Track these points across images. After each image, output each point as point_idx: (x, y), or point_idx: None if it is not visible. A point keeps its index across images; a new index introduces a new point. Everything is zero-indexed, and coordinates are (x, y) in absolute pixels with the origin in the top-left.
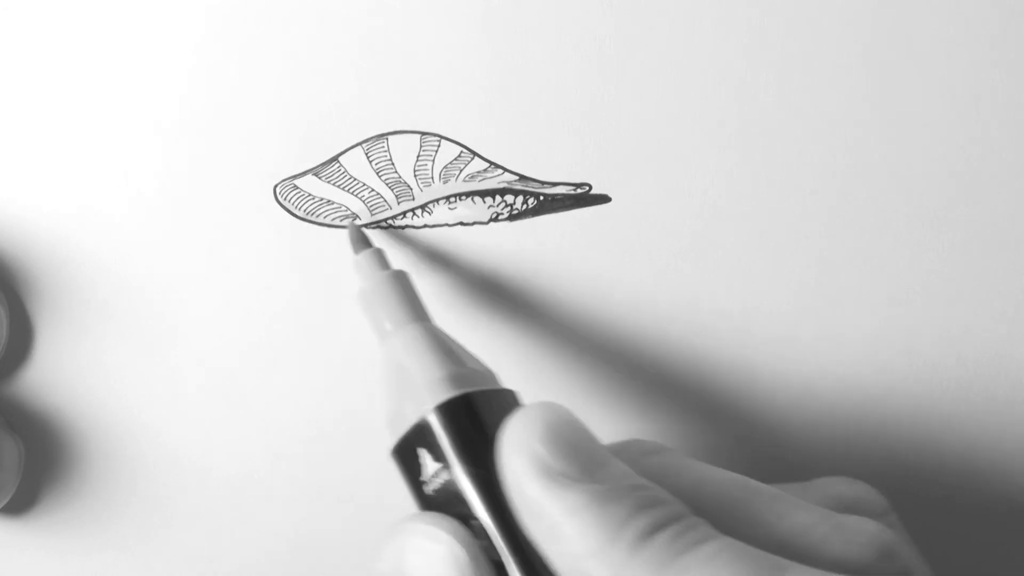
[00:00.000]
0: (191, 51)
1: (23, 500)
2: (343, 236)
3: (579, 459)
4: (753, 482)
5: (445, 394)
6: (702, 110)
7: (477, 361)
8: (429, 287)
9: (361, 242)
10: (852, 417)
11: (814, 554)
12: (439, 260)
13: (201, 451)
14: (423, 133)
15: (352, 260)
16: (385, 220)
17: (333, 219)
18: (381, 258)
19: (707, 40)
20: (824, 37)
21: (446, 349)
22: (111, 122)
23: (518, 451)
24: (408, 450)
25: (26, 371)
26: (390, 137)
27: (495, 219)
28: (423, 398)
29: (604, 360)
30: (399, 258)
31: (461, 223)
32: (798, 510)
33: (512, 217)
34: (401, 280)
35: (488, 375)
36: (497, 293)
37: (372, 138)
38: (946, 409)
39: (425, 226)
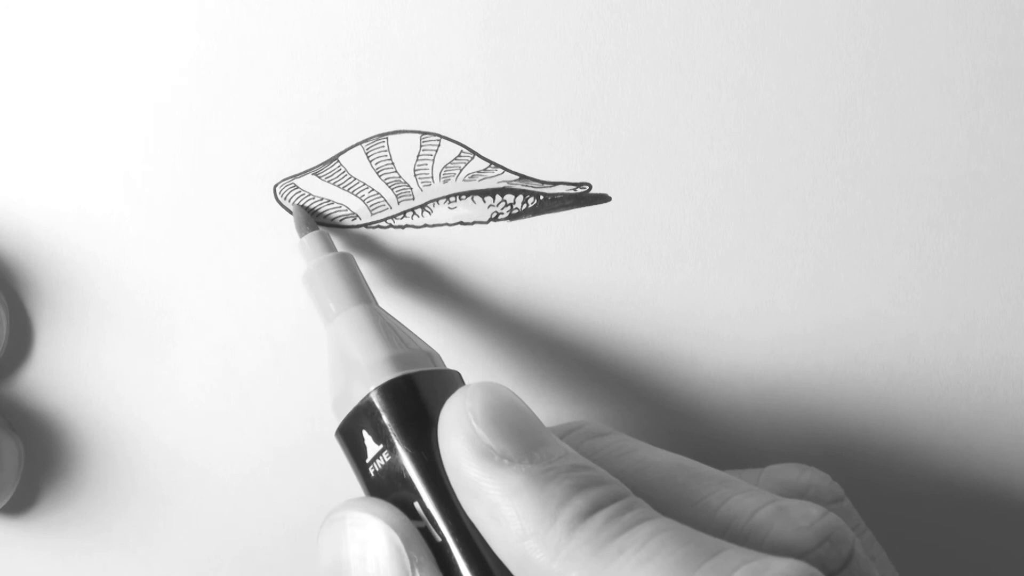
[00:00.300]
0: (191, 51)
1: (23, 500)
2: (344, 235)
3: (518, 439)
4: (697, 465)
5: (386, 375)
6: (702, 110)
7: (421, 342)
8: (430, 286)
9: (306, 224)
10: (853, 417)
11: (755, 537)
12: (439, 259)
13: (201, 451)
14: (423, 133)
15: (297, 243)
16: (385, 220)
17: (333, 219)
18: (326, 240)
19: (707, 40)
20: (824, 37)
21: (388, 330)
22: (111, 122)
23: (456, 432)
24: (352, 431)
25: (26, 371)
26: (390, 137)
27: (495, 218)
28: (365, 379)
29: (598, 357)
30: (399, 257)
31: (461, 223)
32: (741, 493)
33: (512, 216)
34: (345, 262)
35: (431, 356)
36: (495, 291)
37: (372, 138)
38: (945, 408)
39: (425, 225)
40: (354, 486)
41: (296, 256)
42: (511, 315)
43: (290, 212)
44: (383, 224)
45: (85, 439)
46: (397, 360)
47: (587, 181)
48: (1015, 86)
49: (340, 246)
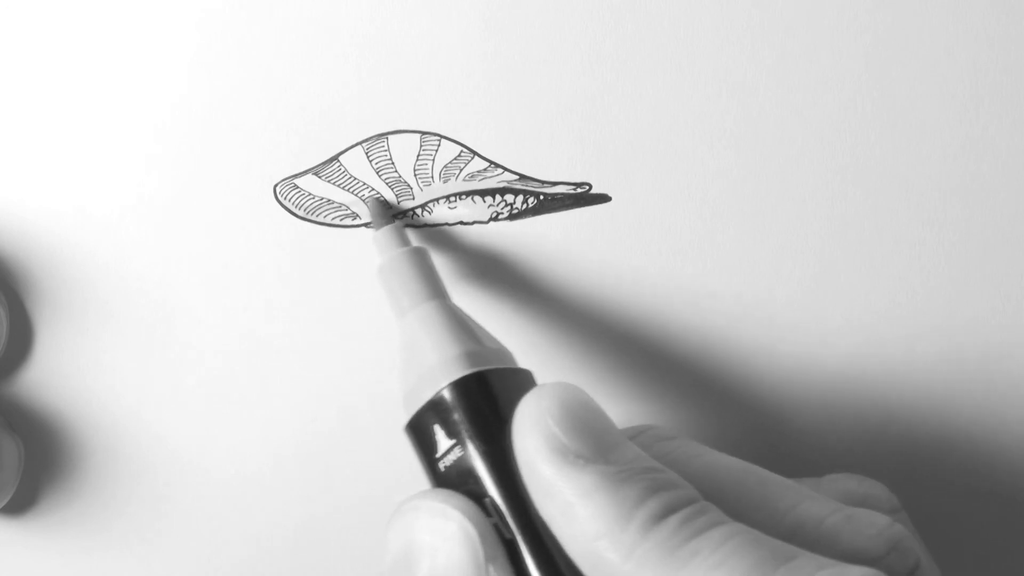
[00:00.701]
0: (191, 51)
1: (23, 500)
2: (344, 235)
3: (593, 440)
4: (764, 471)
5: (460, 371)
6: (702, 110)
7: (493, 340)
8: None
9: (381, 217)
10: (854, 416)
11: (825, 544)
12: (439, 258)
13: (201, 451)
14: (423, 132)
15: (372, 236)
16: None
17: (333, 218)
18: (401, 234)
19: (707, 40)
20: (824, 37)
21: (463, 327)
22: (111, 122)
23: (532, 430)
24: (422, 426)
25: (26, 371)
26: (390, 136)
27: (495, 218)
28: (438, 375)
29: (613, 352)
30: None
31: (461, 222)
32: (809, 501)
33: (512, 216)
34: (420, 256)
35: (504, 354)
36: (494, 291)
37: (372, 137)
38: (945, 408)
39: (425, 225)
40: (354, 485)
41: (296, 255)
42: (511, 315)
43: (290, 212)
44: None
45: (85, 439)
46: (472, 356)
47: (587, 181)
48: (1015, 86)
49: (341, 245)
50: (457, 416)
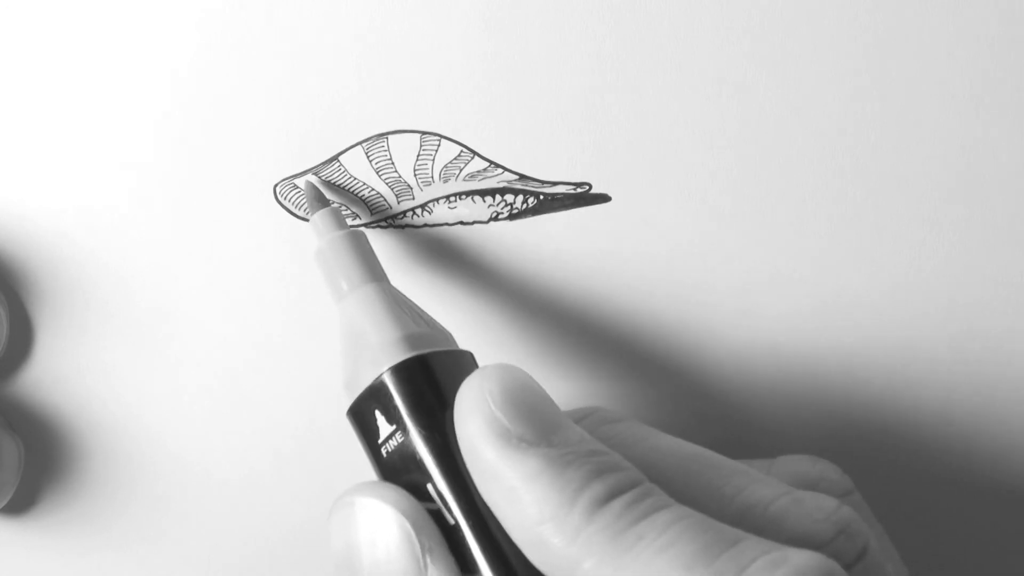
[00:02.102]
0: (191, 51)
1: (23, 500)
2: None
3: (536, 422)
4: (712, 454)
5: (400, 355)
6: (702, 110)
7: (434, 322)
8: (428, 286)
9: (317, 201)
10: (851, 416)
11: (771, 528)
12: (440, 258)
13: (201, 451)
14: (423, 132)
15: (309, 220)
16: (385, 219)
17: None
18: (338, 217)
19: (707, 40)
20: (824, 37)
21: (402, 310)
22: (111, 122)
23: (474, 413)
24: (364, 411)
25: (26, 371)
26: (390, 136)
27: (495, 218)
28: (378, 359)
29: (597, 357)
30: (400, 257)
31: (461, 222)
32: (756, 484)
33: (512, 216)
34: (357, 240)
35: (445, 336)
36: (494, 291)
37: (372, 137)
38: (945, 408)
39: (425, 225)
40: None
41: (296, 255)
42: (510, 315)
43: (290, 212)
44: (383, 224)
45: (85, 439)
46: (411, 340)
47: (587, 181)
48: (1015, 86)
49: None
50: (397, 401)
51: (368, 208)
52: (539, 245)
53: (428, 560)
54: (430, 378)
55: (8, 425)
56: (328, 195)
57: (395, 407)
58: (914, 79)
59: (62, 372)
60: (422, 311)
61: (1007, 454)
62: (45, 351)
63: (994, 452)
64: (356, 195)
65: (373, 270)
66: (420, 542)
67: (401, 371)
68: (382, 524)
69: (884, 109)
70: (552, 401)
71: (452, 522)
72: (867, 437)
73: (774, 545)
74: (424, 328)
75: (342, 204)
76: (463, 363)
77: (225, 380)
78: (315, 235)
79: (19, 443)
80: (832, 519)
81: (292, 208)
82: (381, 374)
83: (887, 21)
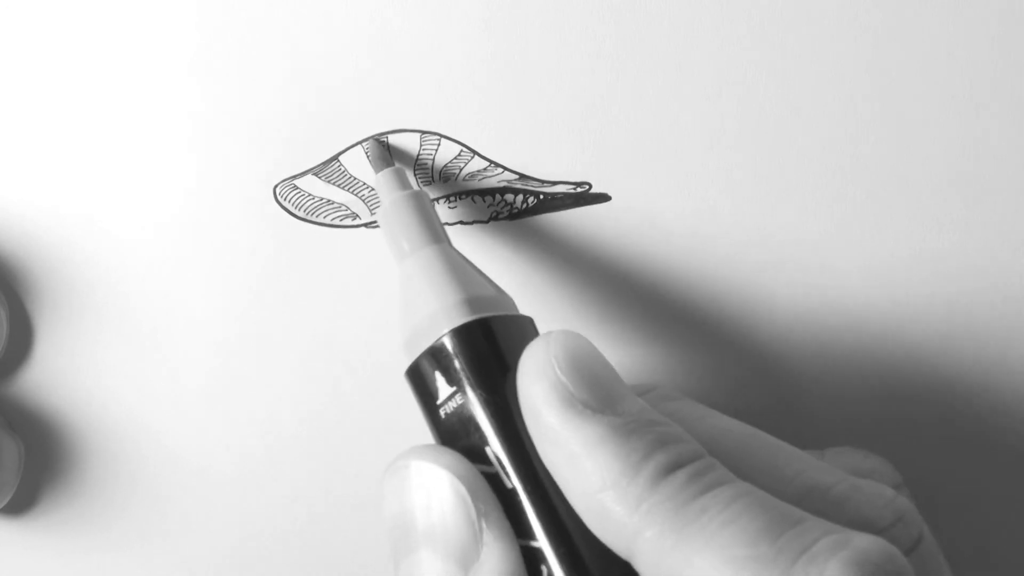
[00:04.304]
0: (191, 51)
1: (23, 500)
2: (344, 235)
3: (600, 390)
4: (770, 437)
5: (462, 318)
6: (702, 110)
7: (495, 286)
8: None
9: (382, 160)
10: (851, 416)
11: (831, 512)
12: None
13: (200, 451)
14: (423, 132)
15: (373, 179)
16: None
17: (333, 219)
18: (401, 177)
19: (707, 40)
20: (824, 37)
21: (464, 272)
22: (111, 123)
23: (538, 377)
24: (423, 373)
25: (26, 371)
26: (390, 136)
27: (495, 218)
28: (439, 321)
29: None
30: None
31: (461, 222)
32: (815, 469)
33: (512, 216)
34: (420, 200)
35: (506, 300)
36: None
37: (372, 137)
38: (945, 408)
39: None
40: (354, 485)
41: (296, 256)
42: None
43: (289, 213)
44: None
45: (85, 439)
46: (473, 303)
47: (587, 181)
48: (1015, 86)
49: (342, 245)
50: (458, 363)
51: (368, 208)
52: (539, 245)
53: (484, 525)
54: (492, 341)
55: (8, 425)
56: (327, 198)
57: (456, 369)
58: (914, 79)
59: (62, 372)
60: (484, 274)
61: (1007, 456)
62: (45, 351)
63: (993, 454)
64: (356, 195)
65: (435, 231)
66: (476, 507)
67: (463, 333)
68: (437, 488)
69: (884, 109)
70: (615, 371)
71: (509, 486)
72: (867, 437)
73: (837, 527)
74: (485, 292)
75: (342, 204)
76: (525, 328)
77: (225, 380)
78: (379, 195)
79: (19, 443)
80: (891, 506)
81: (292, 208)
82: (442, 336)
83: (887, 21)
